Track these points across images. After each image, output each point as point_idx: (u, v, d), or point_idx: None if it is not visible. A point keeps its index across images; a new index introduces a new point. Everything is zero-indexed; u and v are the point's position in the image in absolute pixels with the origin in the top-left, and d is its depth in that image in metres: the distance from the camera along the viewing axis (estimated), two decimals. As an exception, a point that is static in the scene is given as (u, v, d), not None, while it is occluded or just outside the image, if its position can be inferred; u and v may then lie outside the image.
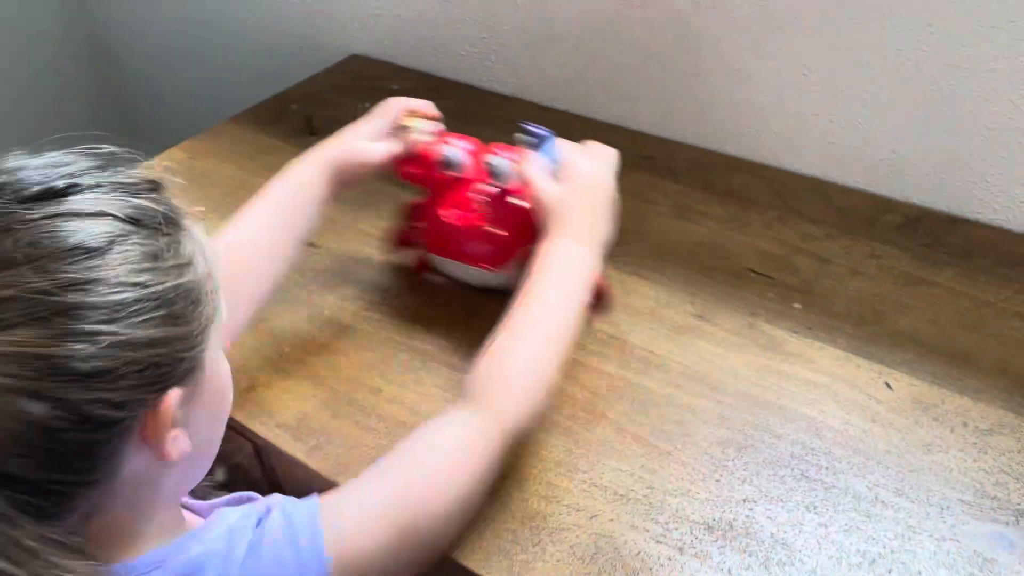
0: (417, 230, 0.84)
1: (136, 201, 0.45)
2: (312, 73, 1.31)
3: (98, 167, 0.46)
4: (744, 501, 0.64)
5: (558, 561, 0.60)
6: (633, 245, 0.91)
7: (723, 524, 0.62)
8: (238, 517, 0.51)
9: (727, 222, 0.94)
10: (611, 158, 0.73)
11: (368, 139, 0.77)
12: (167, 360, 0.44)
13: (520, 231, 0.75)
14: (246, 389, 0.75)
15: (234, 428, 0.74)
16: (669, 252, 0.90)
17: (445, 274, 0.86)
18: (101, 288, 0.41)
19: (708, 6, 0.96)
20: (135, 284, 0.43)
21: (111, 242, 0.43)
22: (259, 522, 0.51)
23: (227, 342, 0.54)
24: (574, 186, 0.69)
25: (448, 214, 0.79)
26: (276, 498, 0.54)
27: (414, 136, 0.78)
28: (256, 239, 0.71)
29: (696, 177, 1.01)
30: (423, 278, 0.87)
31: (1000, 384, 0.72)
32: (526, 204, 0.73)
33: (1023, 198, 0.85)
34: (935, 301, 0.81)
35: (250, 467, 0.79)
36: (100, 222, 0.43)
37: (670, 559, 0.60)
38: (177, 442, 0.46)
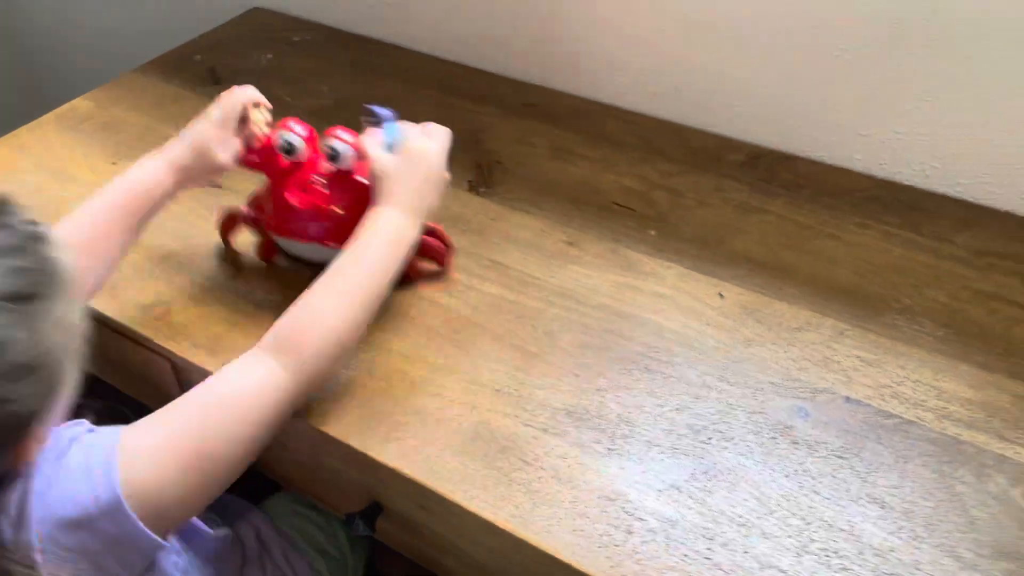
0: (257, 216, 0.88)
1: None
2: (214, 26, 1.37)
3: None
4: (597, 391, 0.77)
5: (444, 444, 0.72)
6: (515, 183, 1.03)
7: (579, 409, 0.75)
8: (63, 430, 0.59)
9: (598, 163, 1.06)
10: (444, 137, 0.78)
11: (217, 140, 0.80)
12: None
13: (361, 209, 0.78)
14: (159, 316, 0.84)
15: (151, 348, 0.83)
16: (547, 189, 1.02)
17: (293, 255, 0.89)
18: None
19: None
20: None
21: None
22: (70, 442, 0.58)
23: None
24: (404, 160, 0.75)
25: (292, 197, 0.82)
26: (86, 427, 0.61)
27: (255, 128, 0.82)
28: (94, 232, 0.75)
29: (573, 123, 1.13)
30: (271, 261, 0.91)
31: (811, 291, 0.86)
32: (365, 181, 0.79)
33: (842, 137, 1.00)
34: (766, 226, 0.95)
35: (169, 384, 0.88)
36: None
37: (535, 438, 0.73)
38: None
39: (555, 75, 1.18)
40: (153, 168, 0.79)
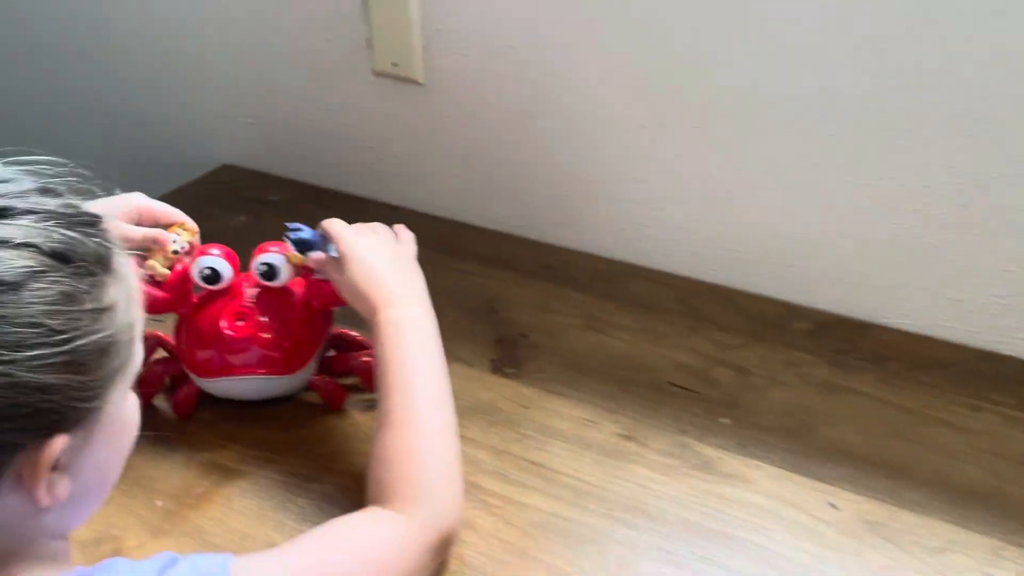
0: (166, 362, 0.80)
1: (67, 234, 0.43)
2: (179, 184, 1.21)
3: (38, 190, 0.45)
4: (707, 650, 0.57)
5: None
6: (546, 361, 0.86)
7: None
8: (134, 565, 0.48)
9: (640, 333, 0.90)
10: (380, 228, 0.75)
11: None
12: (59, 407, 0.42)
13: (314, 325, 0.78)
14: (110, 553, 0.63)
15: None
16: (585, 367, 0.85)
17: (222, 396, 0.79)
18: (5, 326, 0.40)
19: (605, 118, 0.95)
20: (42, 326, 0.41)
21: (28, 277, 0.41)
22: (162, 569, 0.48)
23: None
24: (370, 259, 0.70)
25: (229, 326, 0.75)
26: (171, 555, 0.50)
27: (161, 259, 0.74)
28: None
29: (600, 287, 0.97)
30: (184, 413, 0.79)
31: (939, 495, 0.69)
32: (329, 280, 0.73)
33: (929, 302, 0.86)
34: (860, 410, 0.79)
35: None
36: (22, 254, 0.41)
37: None
38: (54, 488, 0.44)
39: (575, 233, 1.04)
40: None
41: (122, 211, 0.72)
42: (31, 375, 0.40)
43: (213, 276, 0.75)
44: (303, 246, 0.74)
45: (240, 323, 0.76)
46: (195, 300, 0.78)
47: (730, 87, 0.87)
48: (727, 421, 0.78)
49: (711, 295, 0.95)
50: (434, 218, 1.11)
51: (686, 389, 0.82)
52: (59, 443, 0.43)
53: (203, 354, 0.77)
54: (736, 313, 0.92)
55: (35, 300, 0.41)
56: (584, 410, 0.79)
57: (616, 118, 0.94)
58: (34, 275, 0.41)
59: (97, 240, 0.45)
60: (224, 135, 1.25)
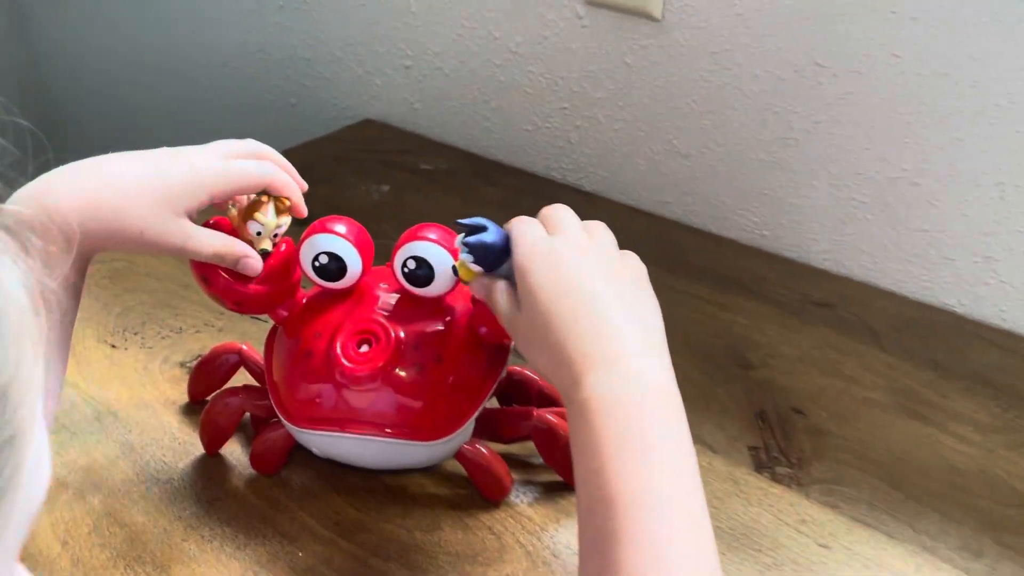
0: (248, 392, 0.52)
1: None
2: (307, 139, 0.94)
3: None
4: None
5: None
6: (839, 457, 0.53)
7: None
8: None
9: (996, 433, 0.55)
10: (596, 230, 0.43)
11: (179, 209, 0.44)
12: None
13: (480, 365, 0.49)
14: None
15: None
16: (906, 478, 0.51)
17: (329, 457, 0.51)
18: None
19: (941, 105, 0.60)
20: None
21: None
22: None
23: None
24: (567, 281, 0.40)
25: (347, 350, 0.47)
26: None
27: (256, 235, 0.47)
28: None
29: (911, 343, 0.63)
30: (266, 470, 0.52)
31: None
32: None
33: None
34: None
35: None
36: None
37: None
38: None
39: (872, 262, 0.70)
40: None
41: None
42: None
43: (332, 268, 0.48)
44: (486, 255, 0.43)
45: (365, 348, 0.47)
46: (302, 300, 0.51)
47: None
48: None
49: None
50: (648, 215, 0.79)
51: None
52: None
53: (304, 390, 0.48)
54: None
55: None
56: (925, 558, 0.46)
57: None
58: None
59: None
60: (369, 80, 0.97)
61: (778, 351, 0.62)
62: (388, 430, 0.47)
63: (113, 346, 0.61)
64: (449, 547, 0.47)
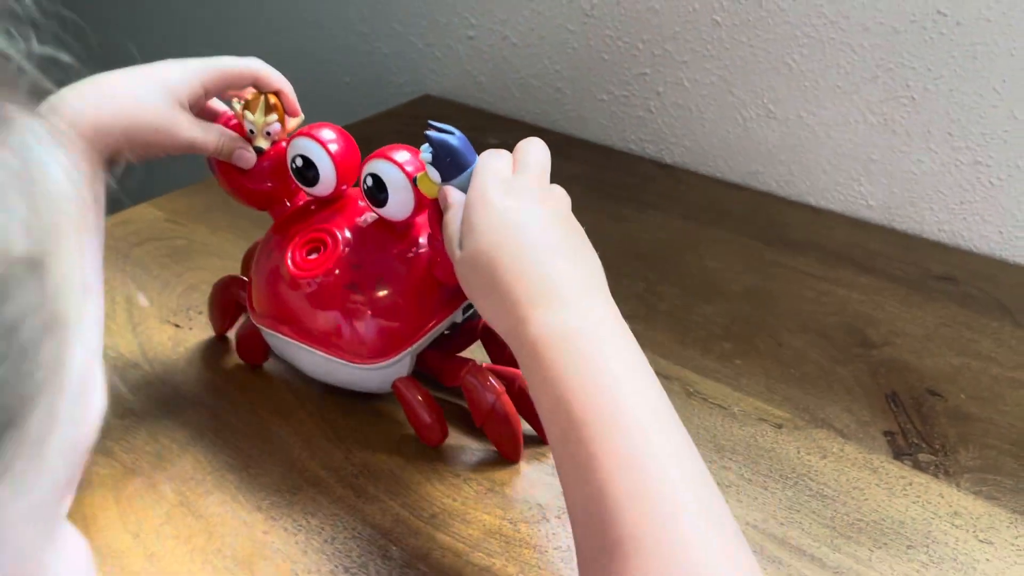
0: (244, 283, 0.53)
1: None
2: (368, 115, 0.89)
3: None
4: None
5: None
6: (987, 443, 0.47)
7: None
8: None
9: None
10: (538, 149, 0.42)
11: (181, 99, 0.46)
12: None
13: (428, 299, 0.47)
14: None
15: None
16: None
17: (289, 363, 0.51)
18: None
19: None
20: None
21: None
22: None
23: None
24: (511, 220, 0.38)
25: (299, 262, 0.47)
26: None
27: (251, 134, 0.48)
28: None
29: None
30: (250, 359, 0.53)
31: None
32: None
33: None
34: None
35: None
36: None
37: None
38: None
39: (994, 230, 0.63)
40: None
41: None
42: None
43: (307, 171, 0.47)
44: (445, 155, 0.41)
45: (312, 256, 0.47)
46: (300, 203, 0.51)
47: None
48: None
49: None
50: (738, 187, 0.73)
51: None
52: None
53: (261, 287, 0.49)
54: None
55: None
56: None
57: None
58: None
59: None
60: (429, 52, 0.92)
61: (902, 329, 0.57)
62: (319, 342, 0.47)
63: (177, 326, 0.57)
64: (557, 540, 0.42)
